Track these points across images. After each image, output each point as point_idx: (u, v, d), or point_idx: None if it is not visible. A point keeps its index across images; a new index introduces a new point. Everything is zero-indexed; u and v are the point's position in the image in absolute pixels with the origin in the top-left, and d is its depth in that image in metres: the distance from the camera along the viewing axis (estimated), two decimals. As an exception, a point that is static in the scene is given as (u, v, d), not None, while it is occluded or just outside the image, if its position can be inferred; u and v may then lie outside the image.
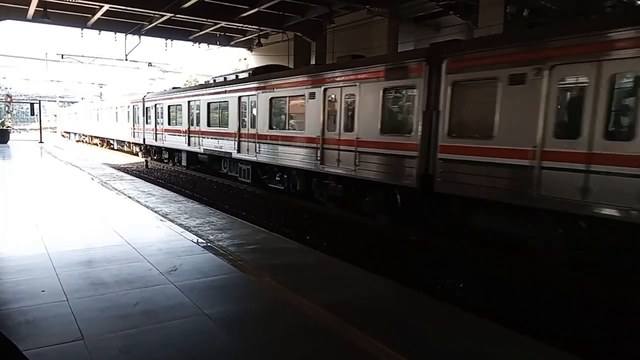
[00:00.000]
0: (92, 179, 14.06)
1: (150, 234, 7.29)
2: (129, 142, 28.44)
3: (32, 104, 36.65)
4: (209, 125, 17.33)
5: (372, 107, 9.80)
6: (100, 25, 22.64)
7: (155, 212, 9.24)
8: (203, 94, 17.69)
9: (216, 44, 27.17)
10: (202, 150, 17.87)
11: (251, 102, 14.48)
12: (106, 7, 19.11)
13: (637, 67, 6.00)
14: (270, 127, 13.50)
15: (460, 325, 4.25)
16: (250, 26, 22.29)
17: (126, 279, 5.05)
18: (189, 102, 18.80)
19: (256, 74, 14.95)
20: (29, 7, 19.10)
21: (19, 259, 5.72)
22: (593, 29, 6.50)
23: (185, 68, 41.14)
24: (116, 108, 29.41)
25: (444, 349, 3.74)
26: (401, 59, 9.51)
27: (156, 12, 19.43)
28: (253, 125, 14.37)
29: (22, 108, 72.02)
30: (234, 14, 20.08)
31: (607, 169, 6.17)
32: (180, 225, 8.02)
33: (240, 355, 3.58)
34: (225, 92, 16.00)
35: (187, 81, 42.41)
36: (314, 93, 11.45)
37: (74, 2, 18.62)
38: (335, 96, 10.82)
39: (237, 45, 27.74)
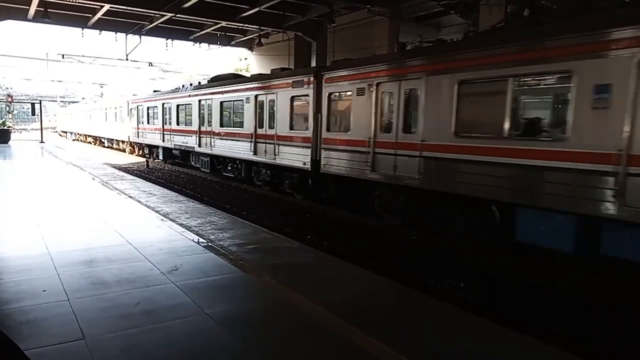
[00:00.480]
0: (93, 179, 14.07)
1: (151, 234, 7.30)
2: (116, 140, 31.49)
3: (32, 104, 36.69)
4: (177, 124, 20.46)
5: (285, 109, 13.02)
6: (100, 25, 22.63)
7: (156, 211, 9.24)
8: (173, 98, 20.75)
9: (217, 44, 27.18)
10: (173, 146, 21.07)
11: (208, 105, 17.56)
12: (107, 7, 19.11)
13: (416, 84, 9.05)
14: (221, 126, 16.71)
15: (461, 325, 4.25)
16: (250, 26, 22.28)
17: (127, 279, 5.05)
18: (163, 104, 22.02)
19: (213, 81, 17.98)
20: (29, 7, 19.10)
21: (20, 258, 5.72)
22: (397, 59, 9.79)
23: (186, 68, 41.15)
24: (105, 109, 32.94)
25: (445, 349, 3.74)
26: (300, 74, 12.81)
27: (157, 12, 19.42)
28: (210, 124, 17.50)
29: (23, 108, 72.13)
30: (234, 13, 20.08)
31: (402, 152, 9.41)
32: (181, 225, 8.03)
33: (241, 355, 3.58)
34: (189, 96, 19.20)
35: (187, 81, 42.34)
36: (249, 98, 14.72)
37: (75, 2, 18.62)
38: (263, 100, 14.07)
39: (237, 45, 27.74)
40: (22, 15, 20.38)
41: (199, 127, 18.33)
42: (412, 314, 4.46)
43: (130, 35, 24.05)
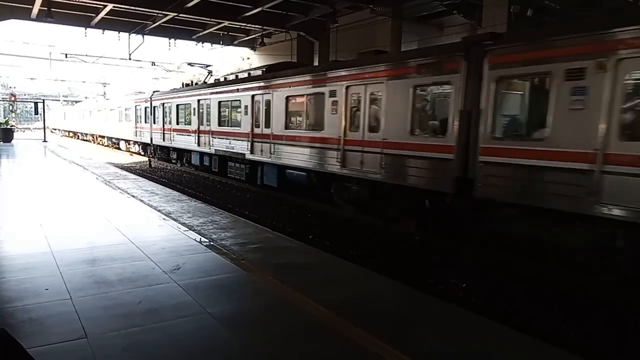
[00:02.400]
0: (97, 178, 14.10)
1: (154, 233, 7.31)
2: (99, 136, 37.54)
3: (35, 103, 36.78)
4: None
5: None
6: (104, 25, 22.66)
7: (159, 211, 9.26)
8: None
9: (219, 44, 27.19)
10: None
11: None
12: (110, 6, 19.14)
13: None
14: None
15: (464, 325, 4.24)
16: (253, 25, 22.28)
17: (129, 278, 5.06)
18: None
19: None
20: (33, 6, 19.13)
21: (22, 257, 5.74)
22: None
23: (188, 67, 41.14)
24: (90, 111, 39.46)
25: (448, 348, 3.73)
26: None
27: (160, 12, 19.44)
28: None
29: (26, 107, 72.31)
30: (237, 13, 20.09)
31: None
32: (183, 224, 8.04)
33: (243, 354, 3.58)
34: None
35: (189, 80, 42.38)
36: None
37: (78, 2, 18.66)
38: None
39: (240, 44, 27.74)
40: (25, 15, 20.41)
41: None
42: (414, 314, 4.46)
43: (133, 35, 24.08)
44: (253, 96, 14.24)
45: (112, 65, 36.70)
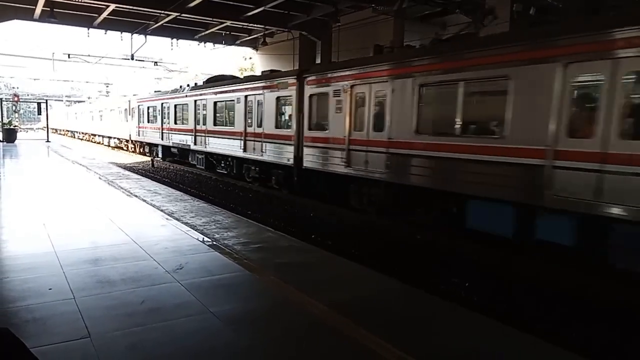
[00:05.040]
0: (100, 178, 14.13)
1: (156, 233, 7.32)
2: (87, 133, 44.80)
3: (39, 104, 36.85)
4: (140, 122, 27.28)
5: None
6: (106, 25, 22.73)
7: (161, 210, 9.27)
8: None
9: (222, 43, 27.21)
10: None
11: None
12: (112, 6, 19.18)
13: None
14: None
15: (466, 324, 4.24)
16: (255, 25, 22.31)
17: (132, 277, 5.07)
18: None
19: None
20: (35, 7, 19.20)
21: (26, 257, 5.75)
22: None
23: (191, 67, 41.24)
24: (76, 113, 48.90)
25: (450, 348, 3.73)
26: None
27: (162, 12, 19.46)
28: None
29: (29, 107, 72.48)
30: (239, 13, 20.10)
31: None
32: (186, 223, 8.05)
33: (246, 353, 3.59)
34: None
35: (191, 80, 42.47)
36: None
37: (81, 2, 18.70)
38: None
39: (242, 44, 27.76)
40: (28, 15, 20.48)
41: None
42: (417, 314, 4.45)
43: (135, 35, 24.13)
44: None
45: (114, 65, 36.77)
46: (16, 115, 47.48)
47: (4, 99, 37.20)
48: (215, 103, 17.84)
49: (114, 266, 5.46)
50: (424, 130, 9.08)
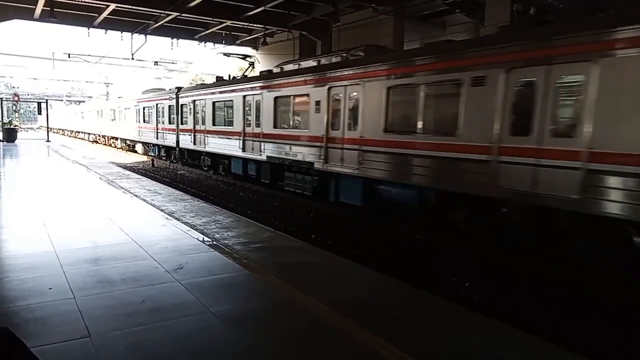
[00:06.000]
0: (100, 178, 14.13)
1: (156, 232, 7.32)
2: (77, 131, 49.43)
3: (39, 103, 36.85)
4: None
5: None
6: (106, 25, 22.72)
7: (161, 210, 9.27)
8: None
9: (222, 43, 27.19)
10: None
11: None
12: (112, 6, 19.18)
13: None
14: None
15: (467, 324, 4.24)
16: (255, 25, 22.30)
17: (132, 277, 5.07)
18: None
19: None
20: (36, 6, 19.20)
21: (26, 256, 5.76)
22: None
23: (191, 67, 41.21)
24: (68, 114, 52.92)
25: (450, 347, 3.73)
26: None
27: (162, 12, 19.45)
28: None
29: (29, 107, 72.51)
30: (239, 13, 20.10)
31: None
32: (186, 223, 8.05)
33: (246, 353, 3.59)
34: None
35: (192, 80, 42.54)
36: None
37: (81, 2, 18.69)
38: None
39: (242, 44, 27.74)
40: (28, 15, 20.48)
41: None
42: (417, 313, 4.45)
43: (135, 35, 24.12)
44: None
45: (114, 65, 36.76)
46: (16, 115, 47.48)
47: (4, 99, 37.17)
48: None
49: (114, 266, 5.46)
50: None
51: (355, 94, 10.51)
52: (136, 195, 11.06)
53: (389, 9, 17.63)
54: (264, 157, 14.15)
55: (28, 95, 62.27)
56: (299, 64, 13.40)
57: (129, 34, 24.06)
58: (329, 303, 4.45)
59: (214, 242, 6.77)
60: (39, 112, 37.78)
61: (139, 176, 16.14)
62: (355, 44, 18.58)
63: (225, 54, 19.80)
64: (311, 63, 12.89)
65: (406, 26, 18.34)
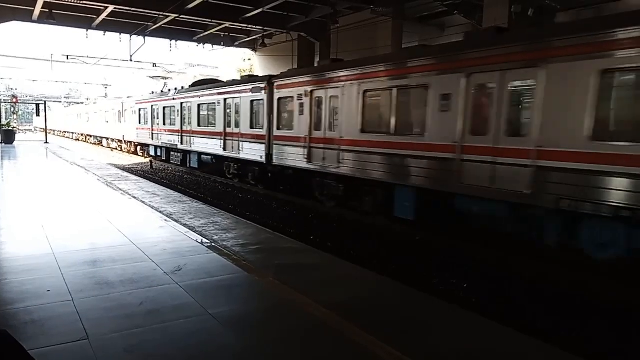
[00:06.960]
0: (98, 180, 14.12)
1: (155, 234, 7.31)
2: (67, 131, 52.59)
3: (37, 105, 36.80)
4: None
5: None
6: (105, 26, 22.70)
7: (160, 212, 9.26)
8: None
9: (220, 45, 27.21)
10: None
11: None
12: (111, 8, 19.16)
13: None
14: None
15: (465, 325, 4.24)
16: (254, 27, 22.30)
17: (131, 279, 5.07)
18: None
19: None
20: (34, 8, 19.17)
21: (24, 258, 5.75)
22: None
23: (189, 68, 41.22)
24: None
25: (448, 349, 3.73)
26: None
27: (161, 13, 19.46)
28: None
29: (27, 109, 72.44)
30: (238, 14, 20.10)
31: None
32: (184, 225, 8.05)
33: (244, 355, 3.58)
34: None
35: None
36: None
37: (79, 3, 18.68)
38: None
39: (241, 45, 27.76)
40: (27, 17, 20.45)
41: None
42: (415, 314, 4.45)
43: (134, 36, 24.11)
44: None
45: (113, 66, 36.74)
46: (15, 116, 47.42)
47: (2, 101, 37.11)
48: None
49: (113, 268, 5.45)
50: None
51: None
52: (135, 197, 11.05)
53: (387, 11, 17.65)
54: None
55: (26, 96, 62.19)
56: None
57: (128, 35, 24.05)
58: (328, 304, 4.45)
59: (213, 244, 6.76)
60: (37, 114, 37.73)
61: (138, 178, 16.13)
62: (354, 45, 18.62)
63: None
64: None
65: (405, 28, 18.34)
